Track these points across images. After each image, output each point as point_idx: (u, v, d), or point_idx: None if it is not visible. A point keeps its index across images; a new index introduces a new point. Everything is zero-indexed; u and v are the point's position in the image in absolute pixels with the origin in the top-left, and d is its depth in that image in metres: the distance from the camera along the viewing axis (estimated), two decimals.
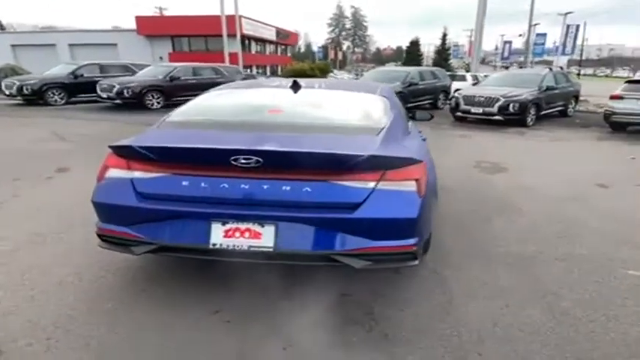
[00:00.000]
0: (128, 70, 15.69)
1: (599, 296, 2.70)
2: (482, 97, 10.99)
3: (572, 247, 3.45)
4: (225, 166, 2.21)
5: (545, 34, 42.15)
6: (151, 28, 35.40)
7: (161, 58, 34.05)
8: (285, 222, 2.23)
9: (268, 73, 42.10)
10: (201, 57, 26.15)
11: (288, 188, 2.24)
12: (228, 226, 2.25)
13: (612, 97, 9.96)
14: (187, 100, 3.36)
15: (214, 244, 2.25)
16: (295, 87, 3.31)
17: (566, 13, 35.04)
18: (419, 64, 46.35)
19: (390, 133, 2.66)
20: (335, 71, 43.79)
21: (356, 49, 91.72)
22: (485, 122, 11.06)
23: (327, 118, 2.93)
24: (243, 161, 2.18)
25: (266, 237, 2.23)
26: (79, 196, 3.74)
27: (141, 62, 17.60)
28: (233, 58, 25.60)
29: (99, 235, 2.52)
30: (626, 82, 10.45)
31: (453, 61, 58.12)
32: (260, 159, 2.17)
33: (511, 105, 10.56)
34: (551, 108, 11.92)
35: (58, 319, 2.38)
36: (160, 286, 2.74)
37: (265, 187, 2.24)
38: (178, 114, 3.05)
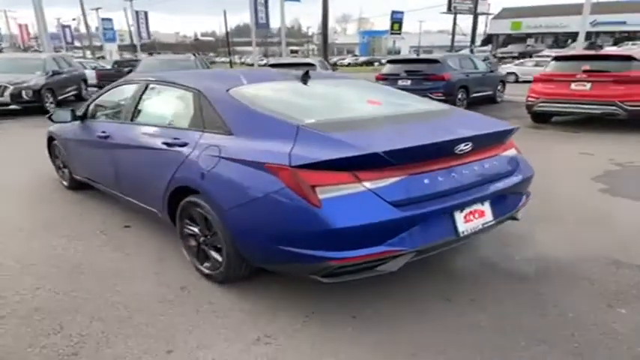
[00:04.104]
0: None
1: None
2: None
3: None
4: (449, 156, 2.34)
5: (111, 19, 43.83)
6: None
7: None
8: (493, 196, 2.54)
9: None
10: None
11: (487, 165, 2.57)
12: (464, 212, 2.38)
13: (378, 78, 11.23)
14: None
15: (463, 232, 2.35)
16: (305, 78, 3.21)
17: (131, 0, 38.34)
18: None
19: None
20: None
21: None
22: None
23: (421, 103, 3.25)
24: (462, 148, 2.33)
25: (487, 213, 2.51)
26: None
27: None
28: None
29: (339, 268, 2.13)
30: (388, 61, 12.15)
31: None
32: (472, 144, 2.37)
33: (24, 92, 10.06)
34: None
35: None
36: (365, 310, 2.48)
37: (476, 168, 2.49)
38: (306, 116, 2.46)
